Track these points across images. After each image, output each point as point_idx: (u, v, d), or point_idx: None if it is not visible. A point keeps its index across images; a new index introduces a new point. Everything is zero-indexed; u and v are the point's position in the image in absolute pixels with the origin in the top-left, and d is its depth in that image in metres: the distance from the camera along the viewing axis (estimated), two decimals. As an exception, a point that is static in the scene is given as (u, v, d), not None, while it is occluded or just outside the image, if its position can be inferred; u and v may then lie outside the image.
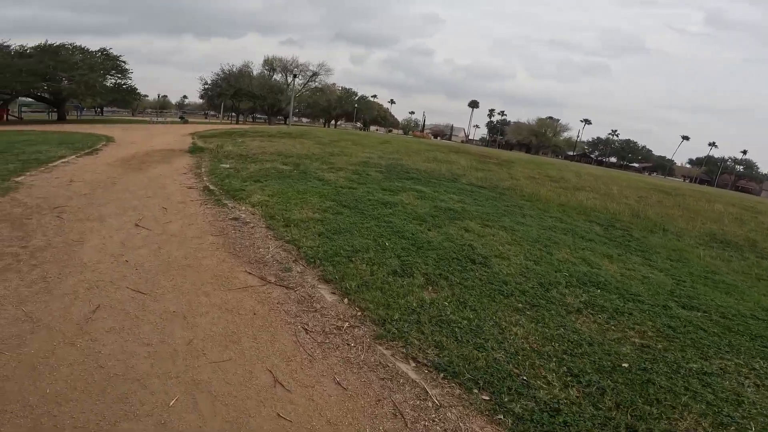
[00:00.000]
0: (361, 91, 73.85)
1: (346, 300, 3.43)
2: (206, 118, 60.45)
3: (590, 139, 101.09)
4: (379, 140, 20.72)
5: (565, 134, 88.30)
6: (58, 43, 27.73)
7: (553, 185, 12.25)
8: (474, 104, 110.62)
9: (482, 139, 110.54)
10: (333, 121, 74.57)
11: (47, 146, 11.20)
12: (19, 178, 6.78)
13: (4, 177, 6.68)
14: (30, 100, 37.01)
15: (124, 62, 33.14)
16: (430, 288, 3.74)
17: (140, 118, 41.83)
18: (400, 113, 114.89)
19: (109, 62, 32.05)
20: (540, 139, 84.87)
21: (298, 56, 76.20)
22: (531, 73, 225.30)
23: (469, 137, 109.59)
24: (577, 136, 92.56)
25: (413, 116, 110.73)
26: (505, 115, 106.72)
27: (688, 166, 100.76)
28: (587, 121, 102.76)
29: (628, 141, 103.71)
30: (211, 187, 7.02)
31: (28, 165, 8.07)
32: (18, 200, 5.43)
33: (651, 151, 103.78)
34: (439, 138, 77.50)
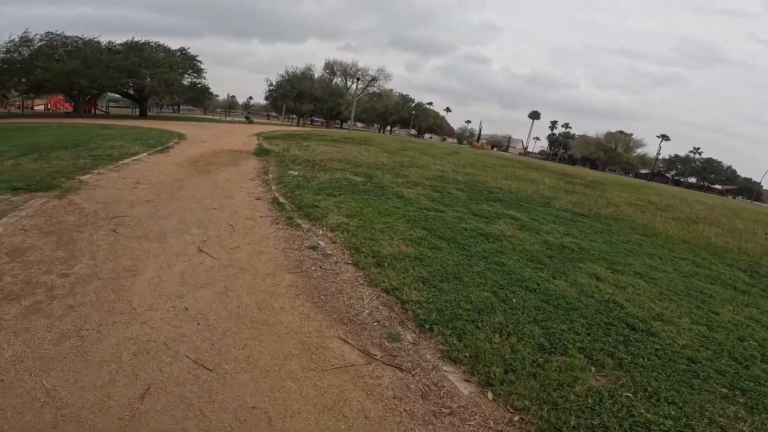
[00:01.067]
0: (415, 97, 72.79)
1: (489, 394, 2.38)
2: (268, 118, 62.65)
3: (667, 157, 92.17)
4: (446, 151, 19.44)
5: (639, 150, 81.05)
6: (143, 41, 29.45)
7: (664, 215, 10.27)
8: (535, 115, 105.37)
9: (541, 152, 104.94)
10: (389, 127, 74.29)
11: (122, 141, 11.22)
12: (84, 177, 6.36)
13: (70, 175, 6.29)
14: (117, 96, 40.19)
15: (200, 62, 34.79)
16: (595, 370, 2.71)
17: (211, 117, 43.91)
18: (454, 121, 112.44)
19: (187, 62, 33.72)
20: (609, 154, 78.66)
21: (357, 60, 76.98)
22: (595, 83, 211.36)
23: (528, 149, 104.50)
24: (657, 153, 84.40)
25: (469, 125, 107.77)
26: (570, 127, 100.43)
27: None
28: (664, 137, 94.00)
29: (709, 160, 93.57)
30: (281, 199, 6.18)
31: (99, 161, 7.78)
32: (75, 204, 4.86)
33: (735, 171, 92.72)
34: (495, 149, 74.39)
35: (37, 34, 25.59)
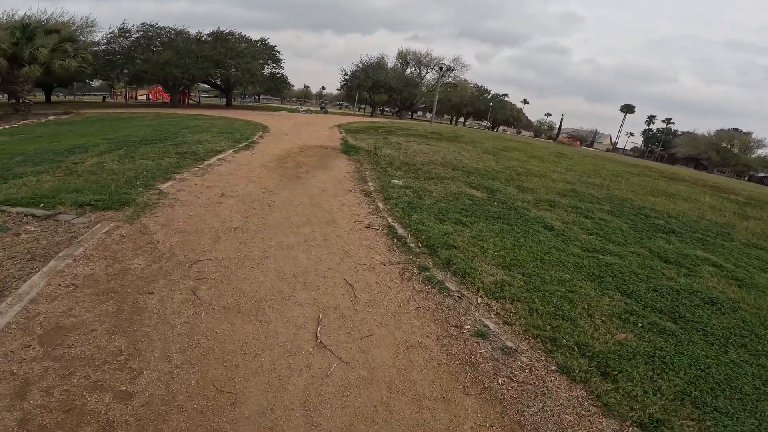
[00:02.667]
0: (490, 89, 68.23)
1: None
2: (340, 108, 62.80)
3: (793, 159, 77.04)
4: (551, 152, 16.77)
5: (759, 151, 68.52)
6: (227, 30, 30.01)
7: None
8: (628, 109, 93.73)
9: (634, 149, 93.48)
10: (461, 119, 70.85)
11: (209, 135, 10.57)
12: (165, 185, 5.37)
13: (150, 182, 5.34)
14: (206, 86, 42.35)
15: (278, 52, 34.98)
16: None
17: (288, 106, 44.62)
18: (532, 114, 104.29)
19: (267, 52, 34.05)
20: (723, 155, 67.50)
21: (431, 50, 74.07)
22: (699, 77, 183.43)
23: (617, 146, 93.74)
24: None
25: (548, 118, 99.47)
26: (672, 122, 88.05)
27: None
28: (793, 137, 78.91)
29: None
30: (399, 229, 4.63)
31: (183, 161, 6.91)
32: (148, 234, 3.74)
33: None
34: (578, 144, 67.34)
35: (134, 25, 27.08)
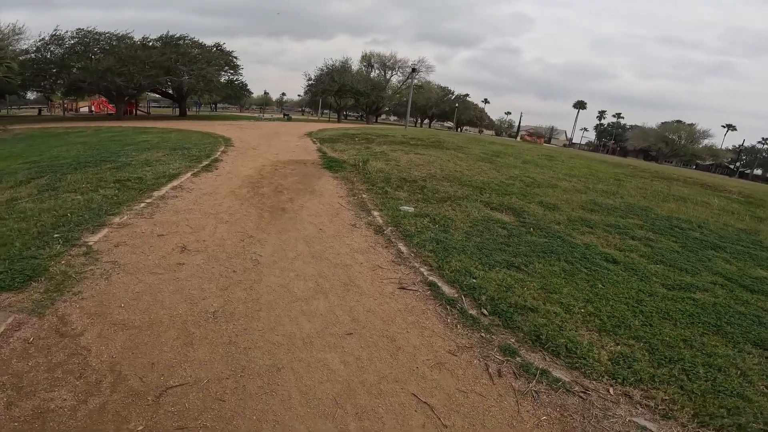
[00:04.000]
0: (454, 90, 68.86)
1: None
2: (303, 114, 60.72)
3: (731, 147, 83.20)
4: (539, 154, 16.11)
5: (705, 141, 73.25)
6: (178, 35, 27.59)
7: None
8: (580, 105, 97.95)
9: (588, 144, 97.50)
10: (428, 121, 70.78)
11: (160, 152, 8.82)
12: (96, 237, 3.80)
13: (73, 232, 3.77)
14: (157, 96, 39.14)
15: (235, 58, 32.77)
16: None
17: (248, 114, 42.19)
18: (492, 113, 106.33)
19: (223, 57, 31.79)
20: (671, 146, 71.54)
21: (396, 51, 73.66)
22: (639, 73, 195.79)
23: (572, 141, 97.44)
24: (744, 146, 76.34)
25: (508, 117, 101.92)
26: (622, 117, 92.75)
27: None
28: (731, 127, 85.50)
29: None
30: (444, 287, 3.37)
31: (126, 193, 5.28)
32: (71, 337, 2.29)
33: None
34: (542, 141, 69.04)
35: (68, 31, 24.14)
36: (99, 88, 25.35)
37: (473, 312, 2.93)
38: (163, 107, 47.35)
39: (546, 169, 11.08)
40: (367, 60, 48.28)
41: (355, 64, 42.96)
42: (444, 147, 13.11)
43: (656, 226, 6.38)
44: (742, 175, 74.20)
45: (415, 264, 3.82)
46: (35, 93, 35.65)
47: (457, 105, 61.27)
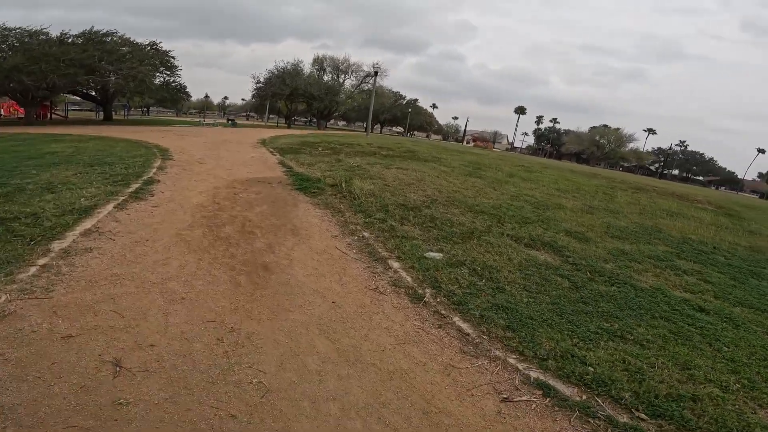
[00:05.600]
0: (405, 95, 69.30)
1: None
2: (248, 119, 57.12)
3: (650, 150, 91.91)
4: (514, 163, 15.49)
5: (630, 145, 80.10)
6: (104, 30, 24.02)
7: None
8: (521, 110, 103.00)
9: (528, 147, 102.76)
10: (380, 126, 70.16)
11: (71, 170, 6.65)
12: None
13: None
14: (78, 98, 34.24)
15: (173, 58, 29.44)
16: None
17: (188, 119, 38.40)
18: (440, 118, 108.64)
19: (158, 57, 28.38)
20: (602, 149, 77.35)
21: (349, 55, 72.07)
22: (565, 79, 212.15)
23: (514, 145, 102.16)
24: (673, 150, 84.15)
25: (455, 122, 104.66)
26: (558, 122, 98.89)
27: (758, 179, 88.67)
28: (651, 131, 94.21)
29: (693, 153, 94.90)
30: (560, 387, 2.08)
31: (7, 246, 3.35)
32: None
33: (717, 163, 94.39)
34: (492, 146, 71.26)
35: None
36: (5, 89, 21.22)
37: (626, 419, 1.72)
38: (86, 110, 41.84)
39: (533, 183, 10.28)
40: (319, 63, 46.34)
41: (307, 68, 40.92)
42: (421, 158, 11.91)
43: (685, 252, 5.67)
44: (662, 176, 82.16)
45: (497, 352, 2.51)
46: None
47: (410, 110, 61.20)
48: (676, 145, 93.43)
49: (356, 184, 6.69)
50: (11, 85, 20.15)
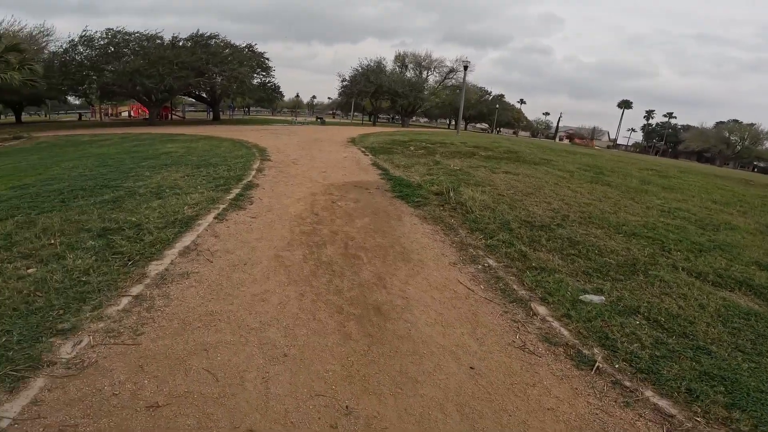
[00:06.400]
0: (491, 90, 65.70)
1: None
2: (333, 117, 59.02)
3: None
4: (638, 165, 13.15)
5: (768, 143, 66.31)
6: (208, 34, 26.10)
7: None
8: (626, 104, 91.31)
9: (636, 145, 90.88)
10: (464, 123, 67.77)
11: (180, 172, 6.73)
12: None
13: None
14: (192, 100, 38.36)
15: (267, 59, 31.13)
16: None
17: (281, 118, 40.74)
18: (527, 114, 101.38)
19: (255, 59, 30.24)
20: (732, 148, 65.23)
21: (432, 51, 70.89)
22: (677, 70, 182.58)
23: (617, 142, 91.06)
24: None
25: (546, 117, 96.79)
26: (674, 116, 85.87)
27: None
28: (795, 127, 76.99)
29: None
30: None
31: (105, 265, 3.06)
32: None
33: None
34: (594, 144, 64.29)
35: (97, 32, 22.99)
36: (129, 91, 24.25)
37: None
38: (199, 111, 46.84)
39: (678, 192, 8.27)
40: (401, 60, 45.86)
41: (389, 65, 40.62)
42: (527, 160, 10.46)
43: None
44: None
45: None
46: (80, 98, 35.52)
47: (497, 106, 57.93)
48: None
49: (466, 194, 5.71)
50: (135, 87, 22.78)
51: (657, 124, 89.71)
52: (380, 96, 35.35)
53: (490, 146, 13.23)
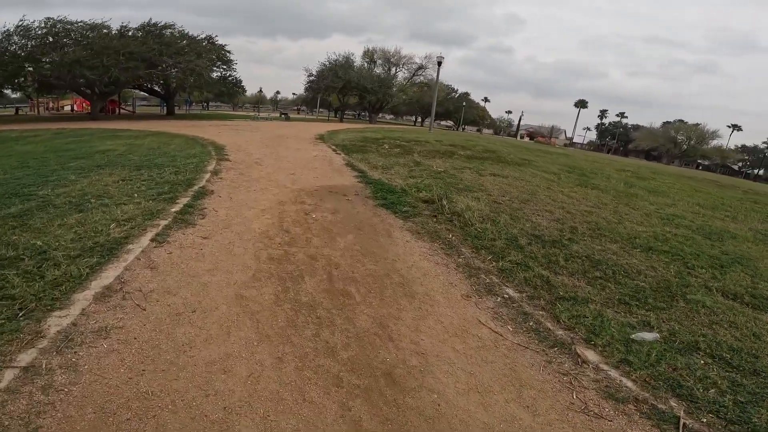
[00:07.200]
0: (457, 88, 66.37)
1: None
2: (298, 113, 57.15)
3: (734, 147, 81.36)
4: (611, 165, 13.08)
5: (714, 142, 71.39)
6: (162, 23, 23.96)
7: None
8: (582, 104, 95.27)
9: (590, 143, 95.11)
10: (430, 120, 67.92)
11: (115, 176, 5.54)
12: None
13: None
14: (145, 93, 35.44)
15: (228, 52, 29.21)
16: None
17: (243, 114, 38.61)
18: (490, 112, 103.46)
19: (215, 51, 28.25)
20: (679, 147, 69.62)
21: (401, 47, 70.49)
22: (627, 71, 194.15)
23: (573, 141, 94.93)
24: (760, 148, 75.34)
25: (508, 116, 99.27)
26: (626, 116, 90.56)
27: None
28: (736, 127, 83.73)
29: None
30: None
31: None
32: None
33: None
34: (555, 143, 66.39)
35: (35, 21, 20.43)
36: (69, 83, 21.77)
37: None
38: (153, 105, 43.57)
39: (663, 196, 8.01)
40: (370, 56, 44.86)
41: (357, 61, 39.59)
42: (508, 161, 9.95)
43: None
44: (746, 176, 72.72)
45: None
46: (14, 92, 31.80)
47: (464, 103, 58.40)
48: (764, 142, 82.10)
49: (461, 202, 4.98)
50: (76, 79, 20.44)
51: (610, 124, 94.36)
52: (348, 92, 34.30)
53: (466, 145, 12.68)
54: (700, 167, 71.06)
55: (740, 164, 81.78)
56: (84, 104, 34.68)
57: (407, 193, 5.61)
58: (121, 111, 32.37)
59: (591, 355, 2.40)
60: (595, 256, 3.81)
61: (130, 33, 22.35)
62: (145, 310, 2.46)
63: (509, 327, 2.66)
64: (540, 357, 2.38)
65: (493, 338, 2.52)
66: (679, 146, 69.79)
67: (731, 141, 77.86)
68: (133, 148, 8.85)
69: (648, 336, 2.62)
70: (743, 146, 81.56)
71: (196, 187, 5.20)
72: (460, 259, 3.59)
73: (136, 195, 4.59)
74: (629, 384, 2.18)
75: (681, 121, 78.28)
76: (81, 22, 21.50)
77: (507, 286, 3.15)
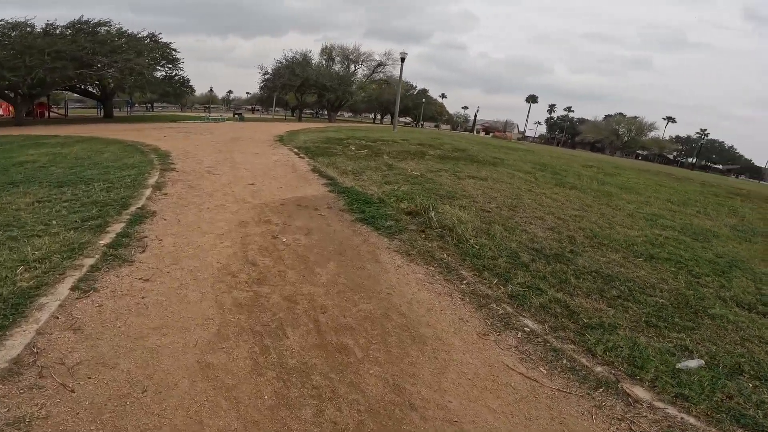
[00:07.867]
0: (416, 84, 66.83)
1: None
2: (253, 113, 54.83)
3: (669, 137, 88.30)
4: (575, 161, 13.24)
5: (651, 134, 77.04)
6: (95, 20, 21.73)
7: None
8: (532, 99, 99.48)
9: (541, 137, 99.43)
10: (390, 117, 67.92)
11: (30, 197, 4.53)
12: None
13: None
14: (80, 95, 32.15)
15: (174, 50, 27.12)
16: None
17: (193, 114, 36.18)
18: (449, 108, 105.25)
19: (159, 50, 26.10)
20: (621, 139, 74.53)
21: (360, 44, 69.38)
22: (570, 67, 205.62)
23: (526, 134, 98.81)
24: (692, 138, 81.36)
25: (465, 111, 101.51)
26: (572, 110, 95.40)
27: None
28: (671, 119, 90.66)
29: (712, 141, 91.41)
30: None
31: None
32: None
33: (737, 151, 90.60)
34: (511, 137, 68.46)
35: None
36: (-12, 86, 19.12)
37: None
38: (90, 108, 39.79)
39: (636, 194, 8.06)
40: (328, 53, 43.67)
41: (315, 58, 38.37)
42: (480, 160, 9.67)
43: None
44: (681, 165, 79.13)
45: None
46: None
47: (423, 100, 58.71)
48: (697, 133, 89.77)
49: (448, 213, 4.49)
50: (-5, 83, 18.04)
51: (558, 118, 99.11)
52: (306, 90, 33.10)
53: (434, 144, 12.33)
54: (639, 157, 76.40)
55: (675, 153, 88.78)
56: (10, 108, 31.01)
57: (386, 204, 5.05)
58: (51, 115, 29.26)
59: (641, 393, 2.06)
60: (603, 270, 3.46)
61: (57, 31, 20.03)
62: (74, 392, 1.73)
63: (542, 369, 2.19)
64: (587, 402, 1.95)
65: (528, 386, 2.04)
66: (621, 138, 74.58)
67: (666, 132, 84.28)
68: (58, 158, 7.60)
69: (693, 364, 2.32)
70: (677, 137, 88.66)
71: (133, 208, 4.31)
72: (463, 285, 3.09)
73: (54, 222, 3.67)
74: (692, 421, 1.90)
75: (621, 114, 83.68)
76: (2, 21, 19.06)
77: (524, 317, 2.69)
